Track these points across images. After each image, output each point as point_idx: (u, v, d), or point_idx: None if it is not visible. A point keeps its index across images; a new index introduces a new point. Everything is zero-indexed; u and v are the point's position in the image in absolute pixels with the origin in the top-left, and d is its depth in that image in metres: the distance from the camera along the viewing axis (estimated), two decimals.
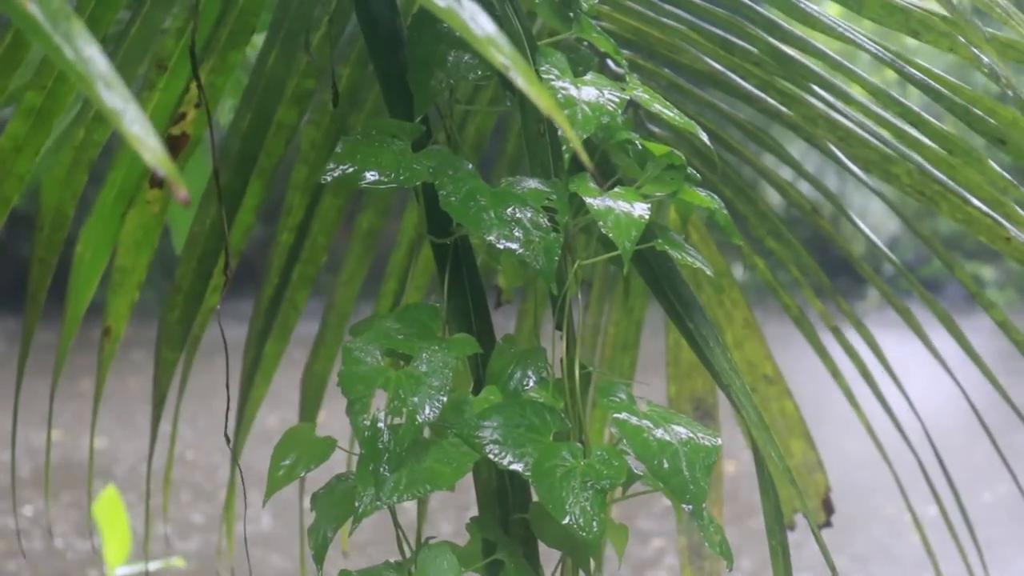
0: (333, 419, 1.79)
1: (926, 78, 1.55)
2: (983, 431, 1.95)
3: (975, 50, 1.44)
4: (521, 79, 0.70)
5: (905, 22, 1.49)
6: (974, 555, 2.04)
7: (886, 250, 1.88)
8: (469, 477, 1.32)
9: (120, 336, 1.81)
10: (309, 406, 2.03)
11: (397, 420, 1.24)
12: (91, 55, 0.71)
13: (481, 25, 0.73)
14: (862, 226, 1.87)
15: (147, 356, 2.28)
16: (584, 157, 0.77)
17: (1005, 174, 1.62)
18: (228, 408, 1.57)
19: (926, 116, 1.63)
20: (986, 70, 1.42)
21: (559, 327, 1.37)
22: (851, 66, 1.61)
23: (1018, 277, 15.85)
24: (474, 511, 1.42)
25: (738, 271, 2.10)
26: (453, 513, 7.54)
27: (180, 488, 8.31)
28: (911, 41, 1.58)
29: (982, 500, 8.33)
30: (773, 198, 4.80)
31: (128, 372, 10.55)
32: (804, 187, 2.18)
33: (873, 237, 1.87)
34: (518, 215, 1.29)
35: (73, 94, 1.63)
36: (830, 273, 2.12)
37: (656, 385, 1.84)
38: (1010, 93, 1.44)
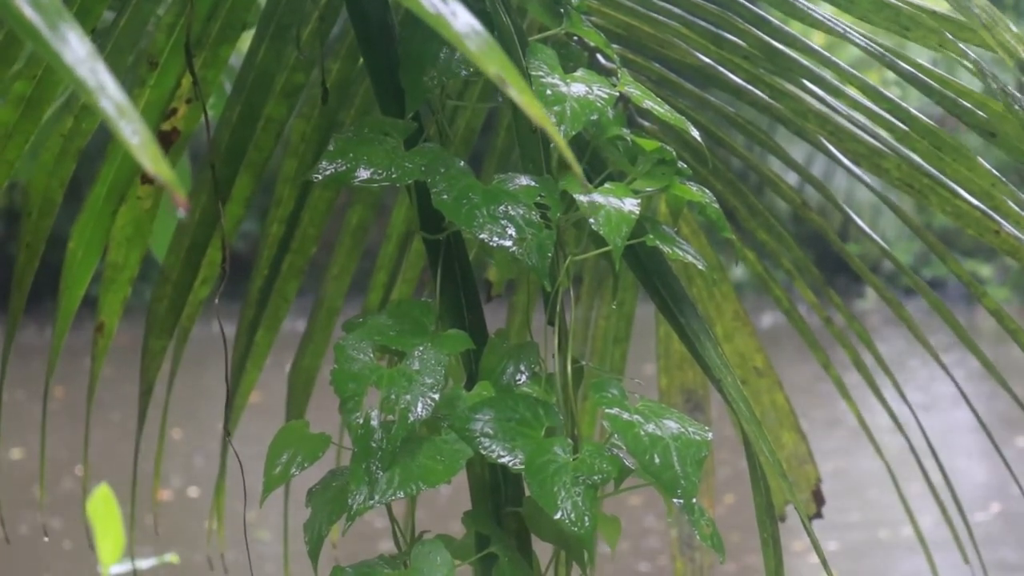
0: (317, 413, 1.79)
1: (915, 71, 1.56)
2: (983, 431, 1.95)
3: (963, 46, 1.45)
4: (514, 90, 0.71)
5: (895, 18, 1.50)
6: (967, 539, 2.05)
7: (882, 244, 1.88)
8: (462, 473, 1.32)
9: (113, 332, 1.81)
10: (297, 401, 2.03)
11: (390, 418, 1.25)
12: (91, 62, 0.71)
13: (474, 34, 0.74)
14: (858, 220, 1.87)
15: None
16: (573, 162, 0.78)
17: (994, 171, 1.62)
18: (227, 399, 1.57)
19: (915, 112, 1.64)
20: (972, 67, 1.43)
21: (551, 323, 1.37)
22: (840, 63, 1.62)
23: (1015, 275, 15.79)
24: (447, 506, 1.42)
25: (733, 267, 2.11)
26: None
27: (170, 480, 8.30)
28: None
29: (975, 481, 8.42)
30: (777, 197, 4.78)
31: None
32: (808, 187, 2.18)
33: (869, 231, 1.87)
34: (511, 212, 1.29)
35: (62, 84, 1.64)
36: (832, 269, 2.13)
37: (647, 377, 1.85)
38: (994, 86, 1.45)
